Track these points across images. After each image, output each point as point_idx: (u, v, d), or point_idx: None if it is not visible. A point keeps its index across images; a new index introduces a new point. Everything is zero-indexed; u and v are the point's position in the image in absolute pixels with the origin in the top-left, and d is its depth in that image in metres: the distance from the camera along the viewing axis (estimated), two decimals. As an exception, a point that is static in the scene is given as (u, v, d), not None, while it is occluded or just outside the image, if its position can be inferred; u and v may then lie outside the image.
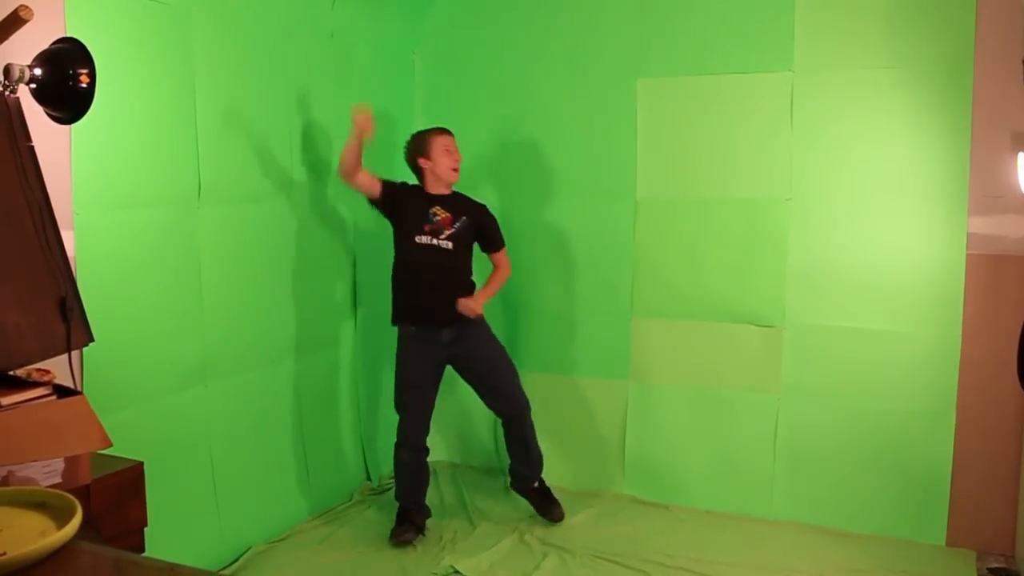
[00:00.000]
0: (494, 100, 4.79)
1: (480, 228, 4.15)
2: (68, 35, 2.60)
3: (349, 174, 3.94)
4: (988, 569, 3.77)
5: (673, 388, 4.50)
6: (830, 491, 4.21)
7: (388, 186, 4.06)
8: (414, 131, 4.25)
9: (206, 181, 3.56)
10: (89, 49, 2.42)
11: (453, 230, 4.03)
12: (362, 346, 4.66)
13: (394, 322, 4.15)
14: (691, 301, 4.42)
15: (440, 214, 4.03)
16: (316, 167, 4.25)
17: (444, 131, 4.11)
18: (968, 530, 3.97)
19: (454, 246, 4.03)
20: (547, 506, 4.30)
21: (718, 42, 4.27)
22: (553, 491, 4.37)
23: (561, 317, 4.73)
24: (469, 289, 4.11)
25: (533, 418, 4.31)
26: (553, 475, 4.70)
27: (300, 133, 4.12)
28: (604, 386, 4.66)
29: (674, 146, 4.41)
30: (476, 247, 4.19)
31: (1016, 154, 3.55)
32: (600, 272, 4.62)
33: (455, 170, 4.06)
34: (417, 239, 4.02)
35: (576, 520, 4.30)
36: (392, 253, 4.13)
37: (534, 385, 4.44)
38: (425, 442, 4.16)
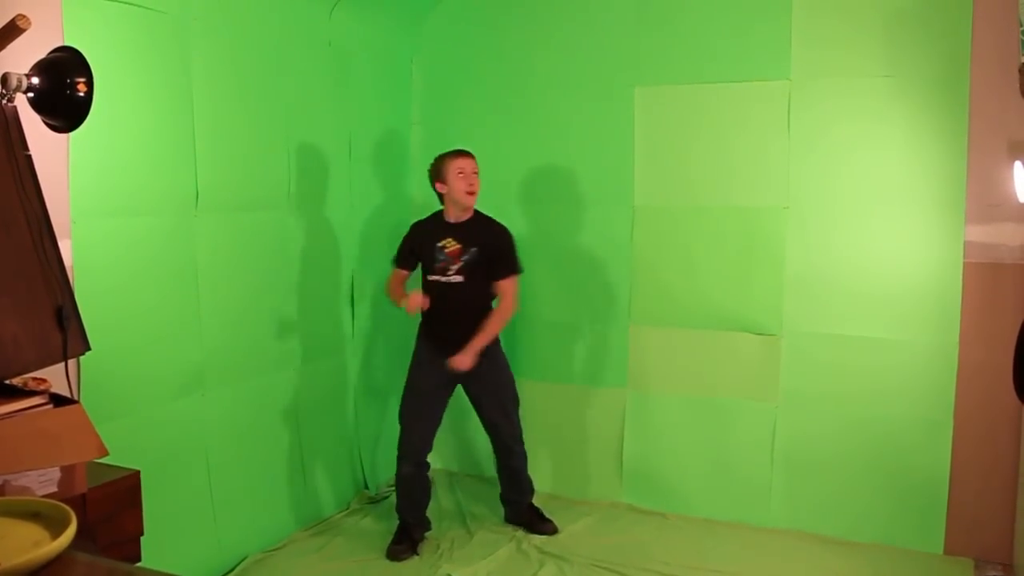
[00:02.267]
0: (492, 108, 4.79)
1: (490, 255, 3.99)
2: (66, 44, 2.60)
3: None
4: (986, 577, 3.77)
5: (671, 396, 4.50)
6: (828, 499, 4.20)
7: (403, 260, 4.14)
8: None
9: (204, 190, 3.56)
10: (87, 58, 2.42)
11: (462, 263, 3.97)
12: (359, 355, 4.66)
13: (416, 341, 4.17)
14: (689, 309, 4.42)
15: (450, 246, 3.98)
16: (313, 176, 4.25)
17: (460, 153, 4.00)
18: (966, 538, 3.96)
19: (465, 279, 3.96)
20: (540, 524, 4.28)
21: (715, 51, 4.28)
22: (551, 498, 4.35)
23: (559, 325, 4.73)
24: (487, 315, 4.03)
25: (531, 427, 4.30)
26: (551, 483, 4.71)
27: (298, 142, 4.11)
28: (602, 394, 4.65)
29: (671, 154, 4.42)
30: None
31: (1013, 162, 3.56)
32: (598, 280, 4.62)
33: (470, 193, 3.96)
34: (429, 278, 4.03)
35: (574, 528, 4.29)
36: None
37: (532, 394, 4.44)
38: (426, 457, 4.14)
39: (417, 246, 4.09)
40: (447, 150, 4.05)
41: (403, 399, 4.17)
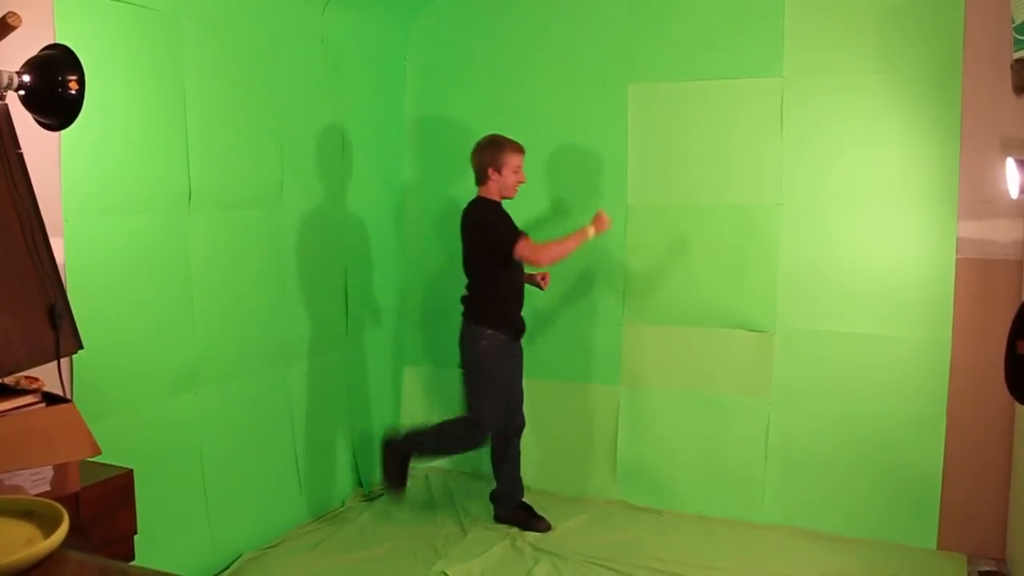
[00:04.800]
0: (485, 105, 4.79)
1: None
2: (57, 42, 2.60)
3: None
4: (979, 572, 3.78)
5: (665, 393, 4.51)
6: (821, 495, 4.21)
7: (516, 228, 4.07)
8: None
9: (196, 187, 3.55)
10: (78, 56, 2.41)
11: None
12: (353, 352, 4.65)
13: (482, 325, 4.13)
14: (682, 306, 4.43)
15: None
16: (307, 173, 4.24)
17: (520, 149, 4.04)
18: (959, 534, 3.98)
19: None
20: (533, 521, 4.29)
21: (709, 47, 4.28)
22: (545, 495, 4.36)
23: (552, 323, 4.73)
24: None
25: (526, 422, 4.32)
26: (545, 480, 4.71)
27: (290, 139, 4.10)
28: (596, 391, 4.66)
29: (665, 151, 4.43)
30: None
31: (1005, 158, 3.56)
32: (591, 277, 4.62)
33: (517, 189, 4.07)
34: (514, 265, 4.07)
35: (568, 525, 4.30)
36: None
37: (527, 391, 4.43)
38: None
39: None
40: (504, 136, 4.06)
41: (485, 388, 4.11)
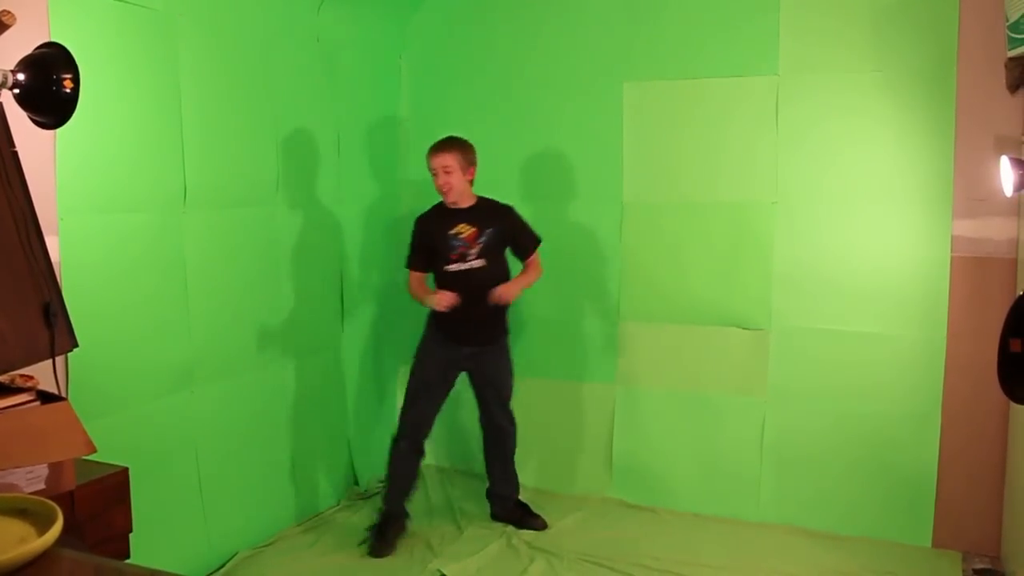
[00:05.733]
0: (481, 104, 4.79)
1: (510, 234, 4.07)
2: (52, 40, 2.59)
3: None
4: (974, 570, 3.79)
5: (660, 392, 4.51)
6: (817, 493, 4.22)
7: (419, 258, 4.07)
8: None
9: (192, 186, 3.55)
10: (73, 54, 2.41)
11: (480, 245, 3.96)
12: (349, 350, 4.65)
13: (428, 323, 4.14)
14: (678, 305, 4.43)
15: (465, 231, 3.96)
16: (302, 171, 4.24)
17: (432, 150, 3.97)
18: (954, 531, 3.99)
19: (487, 261, 3.97)
20: (529, 519, 4.29)
21: (704, 46, 4.28)
22: (541, 494, 4.36)
23: (548, 321, 4.74)
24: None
25: (521, 422, 4.31)
26: (540, 479, 4.71)
27: (286, 137, 4.10)
28: (591, 390, 4.66)
29: (660, 150, 4.43)
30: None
31: (999, 157, 3.56)
32: (587, 276, 4.63)
33: (445, 192, 3.94)
34: (447, 268, 3.98)
35: (563, 524, 4.30)
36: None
37: (522, 389, 4.43)
38: (423, 441, 4.16)
39: (428, 239, 4.03)
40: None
41: (409, 382, 4.15)
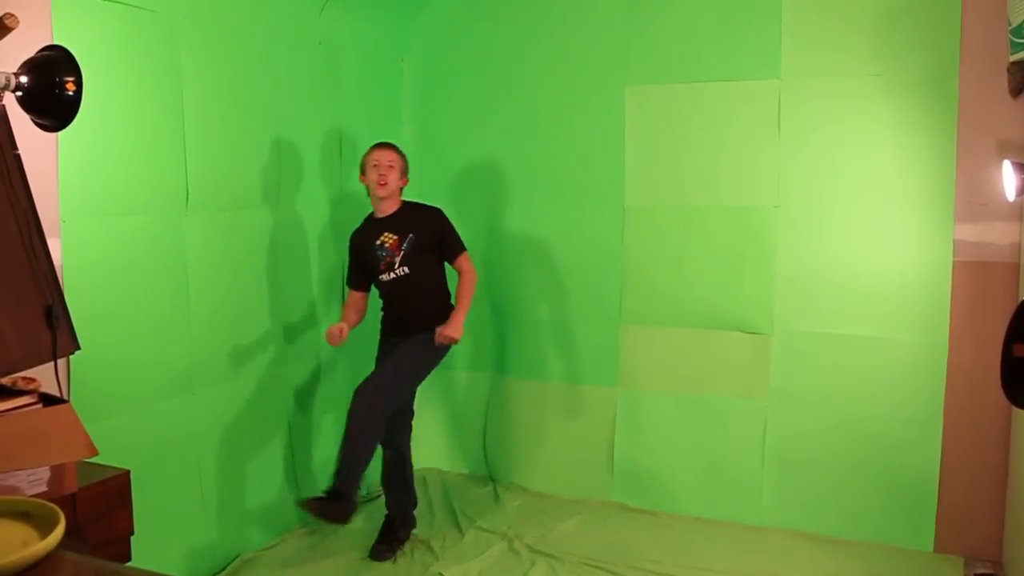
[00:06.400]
0: (483, 107, 4.79)
1: (434, 237, 4.00)
2: (55, 43, 2.60)
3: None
4: (975, 575, 3.78)
5: (662, 395, 4.51)
6: (818, 498, 4.21)
7: (355, 276, 4.09)
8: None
9: (193, 189, 3.55)
10: (76, 57, 2.41)
11: (403, 252, 3.94)
12: (350, 353, 4.65)
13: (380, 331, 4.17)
14: (679, 308, 4.43)
15: (388, 240, 3.95)
16: (304, 175, 4.25)
17: (377, 146, 4.00)
18: (956, 536, 3.98)
19: (411, 269, 3.94)
20: (390, 536, 4.10)
21: (706, 50, 4.28)
22: (542, 497, 4.33)
23: (549, 325, 4.73)
24: (444, 297, 4.06)
25: (522, 425, 4.30)
26: (542, 483, 4.71)
27: (288, 141, 4.11)
28: (593, 393, 4.66)
29: (662, 153, 4.43)
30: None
31: (1001, 161, 3.57)
32: (588, 279, 4.62)
33: (381, 185, 3.90)
34: (380, 278, 3.99)
35: (565, 527, 4.29)
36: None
37: (523, 393, 4.43)
38: (380, 410, 3.83)
39: (359, 253, 4.04)
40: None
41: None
